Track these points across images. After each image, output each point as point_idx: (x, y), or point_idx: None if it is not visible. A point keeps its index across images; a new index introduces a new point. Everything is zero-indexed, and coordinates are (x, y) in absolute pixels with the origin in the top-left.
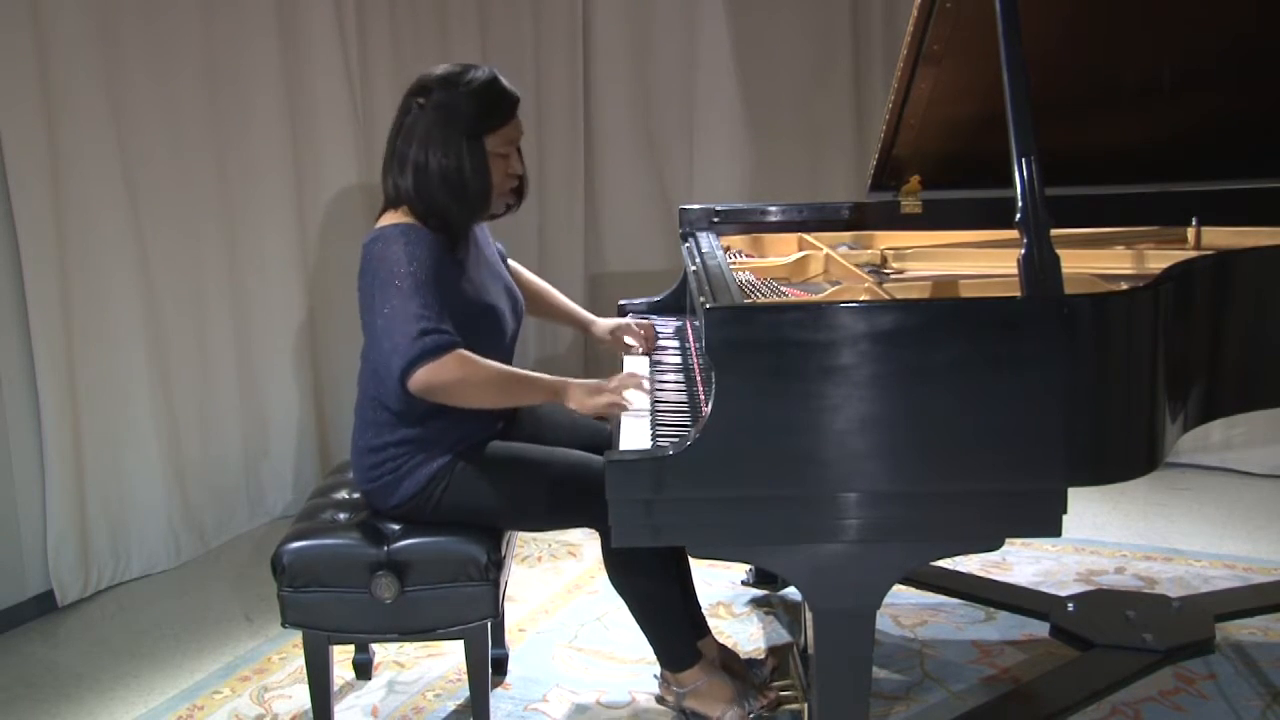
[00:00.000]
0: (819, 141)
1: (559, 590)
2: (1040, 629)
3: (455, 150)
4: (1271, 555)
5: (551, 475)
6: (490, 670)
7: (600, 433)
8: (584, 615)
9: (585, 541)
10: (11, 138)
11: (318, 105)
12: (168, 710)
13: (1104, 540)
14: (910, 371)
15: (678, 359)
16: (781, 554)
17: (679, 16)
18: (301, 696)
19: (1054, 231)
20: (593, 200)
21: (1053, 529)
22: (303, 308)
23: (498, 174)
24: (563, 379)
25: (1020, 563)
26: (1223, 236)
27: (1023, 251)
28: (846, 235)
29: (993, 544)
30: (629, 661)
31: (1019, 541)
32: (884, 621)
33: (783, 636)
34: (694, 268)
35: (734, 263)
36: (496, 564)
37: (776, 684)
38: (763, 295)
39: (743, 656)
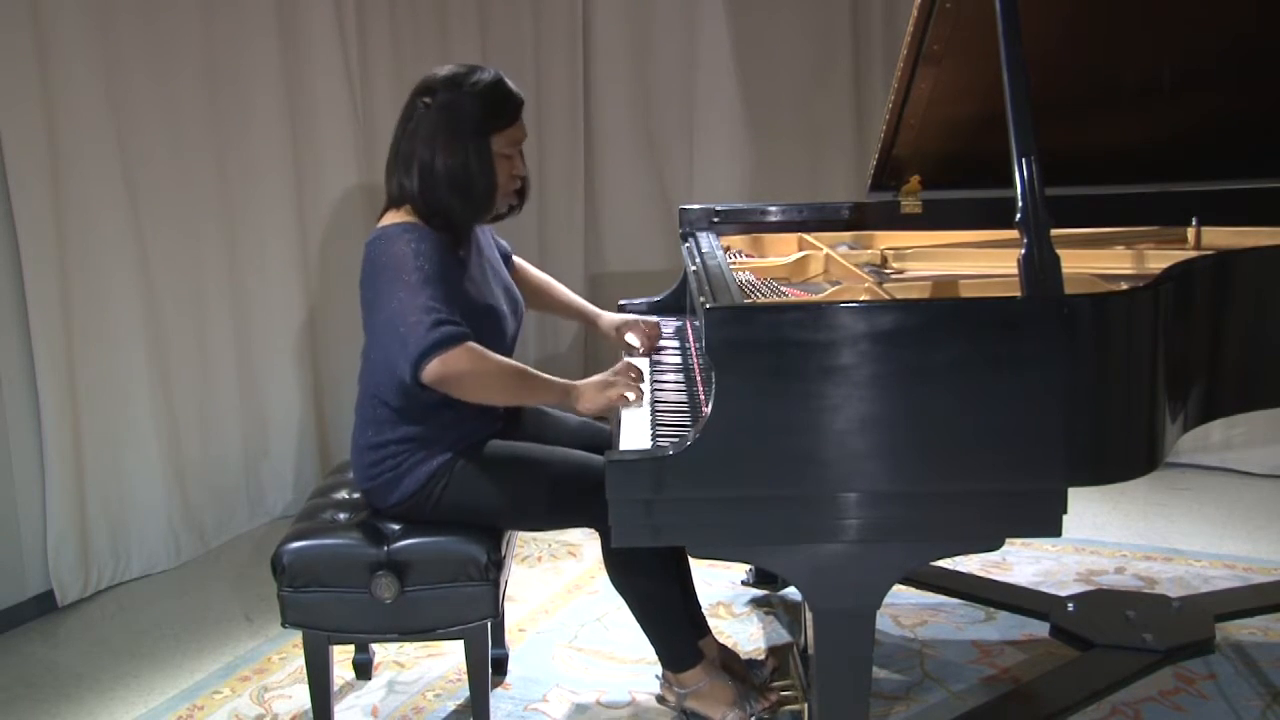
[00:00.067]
0: (819, 141)
1: (559, 590)
2: (1040, 629)
3: (461, 150)
4: (1271, 555)
5: (552, 474)
6: (490, 670)
7: (600, 433)
8: (584, 615)
9: (585, 541)
10: (11, 138)
11: (318, 105)
12: (168, 710)
13: (1104, 540)
14: (910, 371)
15: (678, 359)
16: (781, 554)
17: (679, 16)
18: (301, 696)
19: (1054, 231)
20: (593, 200)
21: (1053, 529)
22: (303, 308)
23: (502, 174)
24: (571, 381)
25: (1020, 563)
26: (1223, 236)
27: (1023, 251)
28: (846, 235)
29: (993, 544)
30: (629, 661)
31: (1019, 541)
32: (884, 621)
33: (783, 636)
34: (694, 268)
35: (734, 263)
36: (496, 564)
37: (777, 684)
38: (763, 295)
39: (743, 656)
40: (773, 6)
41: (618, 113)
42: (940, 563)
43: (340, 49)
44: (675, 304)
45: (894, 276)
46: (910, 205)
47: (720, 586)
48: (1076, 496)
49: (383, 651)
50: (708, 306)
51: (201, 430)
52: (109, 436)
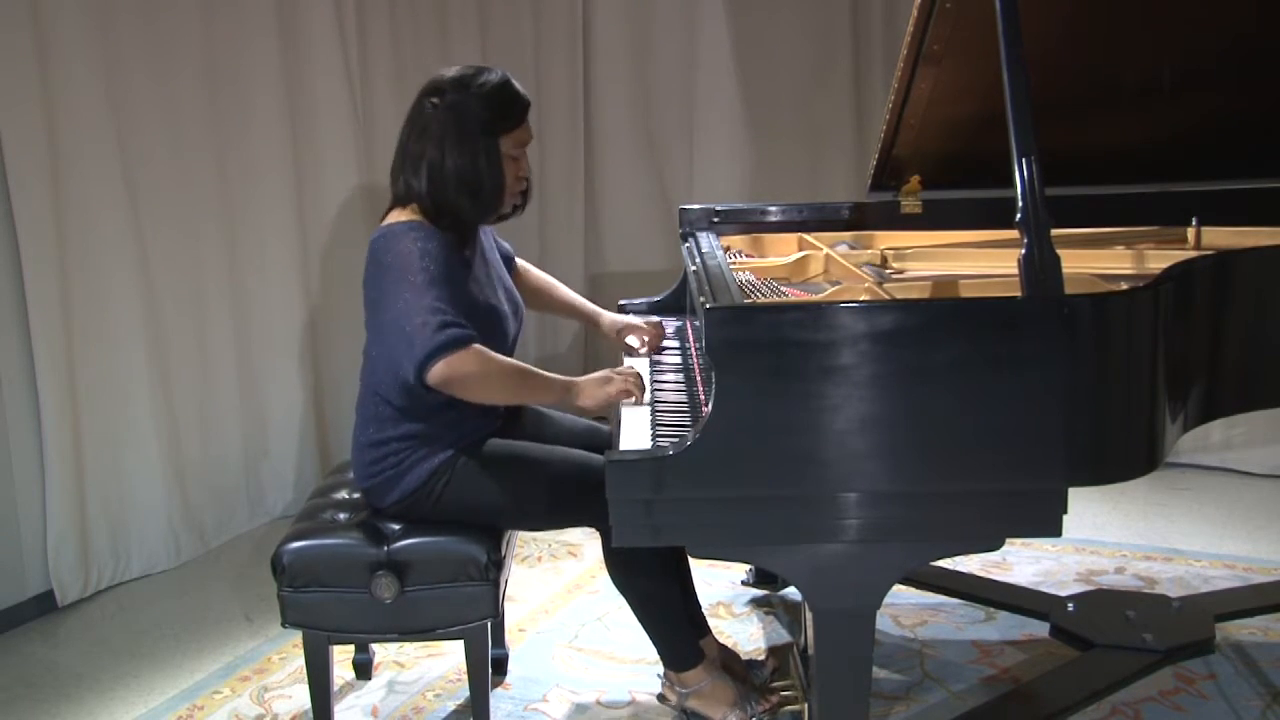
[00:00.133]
0: (819, 141)
1: (559, 590)
2: (1040, 629)
3: (470, 150)
4: (1271, 555)
5: (552, 473)
6: (490, 670)
7: (600, 433)
8: (584, 615)
9: (585, 541)
10: (11, 138)
11: (318, 105)
12: (168, 710)
13: (1104, 540)
14: (910, 371)
15: (678, 359)
16: (781, 554)
17: (679, 16)
18: (301, 696)
19: (1054, 231)
20: (593, 200)
21: (1053, 529)
22: (303, 308)
23: (509, 175)
24: (572, 378)
25: (1020, 563)
26: (1223, 236)
27: (1023, 251)
28: (846, 235)
29: (993, 544)
30: (629, 661)
31: (1019, 541)
32: (884, 621)
33: (783, 636)
34: (694, 268)
35: (734, 263)
36: (496, 564)
37: (777, 684)
38: (763, 295)
39: (743, 657)
40: (773, 6)
41: (618, 113)
42: (940, 563)
43: (340, 49)
44: (675, 304)
45: (894, 276)
46: (910, 205)
47: (720, 586)
48: (1076, 496)
49: (383, 651)
50: (708, 306)
51: (201, 430)
52: (109, 436)
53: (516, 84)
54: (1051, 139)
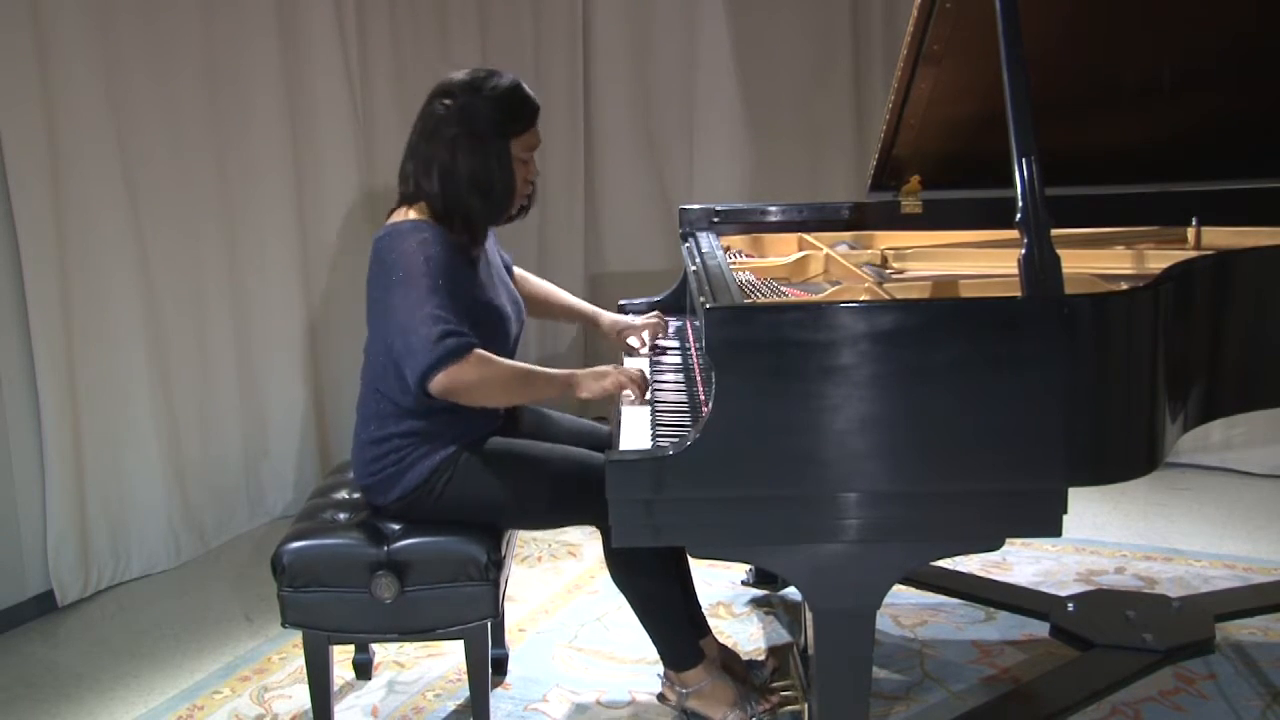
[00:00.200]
0: (819, 141)
1: (559, 590)
2: (1040, 629)
3: (482, 152)
4: (1271, 555)
5: (553, 471)
6: (490, 670)
7: (601, 432)
8: (584, 615)
9: (585, 541)
10: (11, 138)
11: (318, 105)
12: (168, 710)
13: (1104, 540)
14: (910, 371)
15: (678, 359)
16: (781, 554)
17: (679, 16)
18: (301, 696)
19: (1054, 231)
20: (593, 200)
21: (1053, 529)
22: (303, 307)
23: (518, 178)
24: (570, 371)
25: (1020, 563)
26: (1223, 236)
27: (1023, 251)
28: (846, 235)
29: (993, 544)
30: (629, 661)
31: (1019, 541)
32: (884, 621)
33: (783, 636)
34: (694, 268)
35: (734, 263)
36: (496, 564)
37: (777, 684)
38: (763, 295)
39: (743, 657)
40: (773, 6)
41: (618, 113)
42: (940, 563)
43: (340, 49)
44: (675, 304)
45: (894, 276)
46: (910, 205)
47: (720, 586)
48: (1076, 496)
49: (383, 651)
50: (708, 306)
51: (201, 430)
52: (109, 436)
53: (527, 88)
54: (1051, 139)
